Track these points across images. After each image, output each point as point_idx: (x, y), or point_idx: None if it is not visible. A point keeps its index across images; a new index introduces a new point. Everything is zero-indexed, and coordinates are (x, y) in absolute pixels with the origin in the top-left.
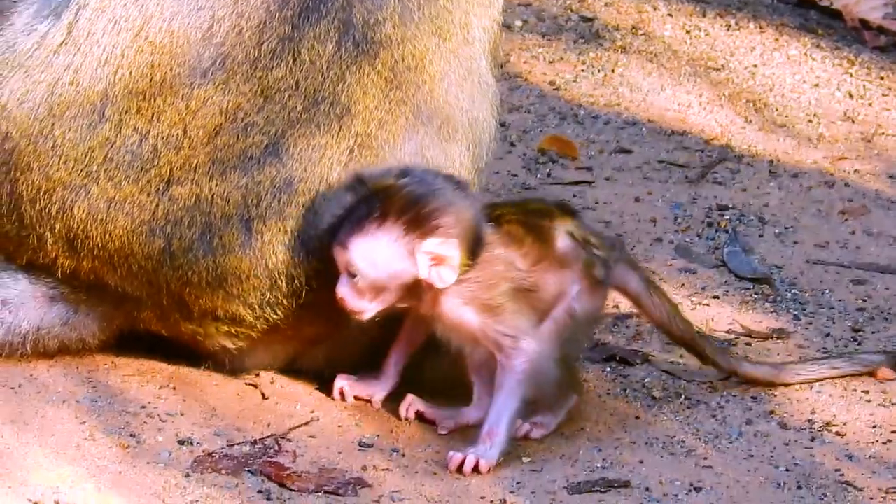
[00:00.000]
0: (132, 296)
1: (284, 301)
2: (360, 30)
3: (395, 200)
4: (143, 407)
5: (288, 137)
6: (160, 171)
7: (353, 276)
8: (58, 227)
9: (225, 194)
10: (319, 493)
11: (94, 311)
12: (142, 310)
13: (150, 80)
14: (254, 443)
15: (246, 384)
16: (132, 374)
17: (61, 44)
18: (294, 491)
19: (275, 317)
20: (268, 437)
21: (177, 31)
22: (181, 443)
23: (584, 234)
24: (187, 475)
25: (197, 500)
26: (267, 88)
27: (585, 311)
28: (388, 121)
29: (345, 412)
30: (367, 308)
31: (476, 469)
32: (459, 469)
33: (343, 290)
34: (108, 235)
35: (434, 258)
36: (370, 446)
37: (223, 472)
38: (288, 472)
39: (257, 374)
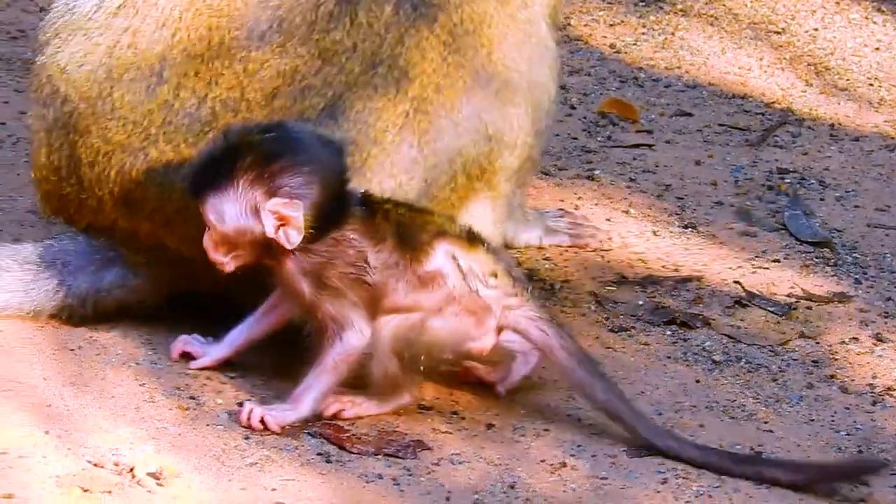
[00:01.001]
0: (189, 257)
1: None
2: None
3: (250, 156)
4: (203, 370)
5: (345, 100)
6: (218, 133)
7: (210, 225)
8: (116, 189)
9: None
10: (379, 456)
11: (153, 273)
12: (199, 271)
13: (209, 44)
14: None
15: (307, 346)
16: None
17: (120, 6)
18: (353, 453)
19: None
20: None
21: None
22: (240, 405)
23: (479, 268)
24: (246, 437)
25: (256, 463)
26: (324, 51)
27: (439, 335)
28: (445, 85)
29: None
30: (224, 260)
31: (263, 424)
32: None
33: (205, 240)
34: (165, 198)
35: (279, 217)
36: (429, 409)
37: (282, 434)
38: (347, 434)
39: None
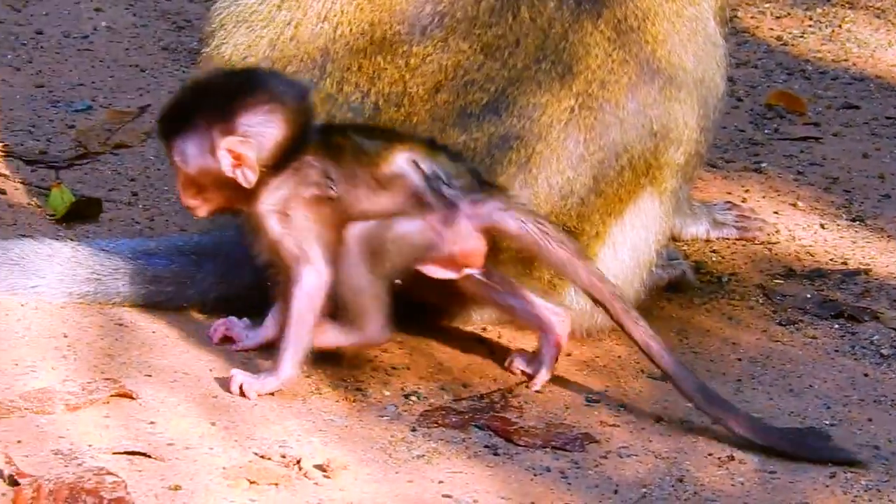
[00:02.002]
0: None
1: (501, 257)
2: None
3: (209, 95)
4: (370, 361)
5: (508, 95)
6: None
7: (177, 170)
8: None
9: None
10: (546, 449)
11: None
12: None
13: (371, 38)
14: (480, 397)
15: (473, 339)
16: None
17: None
18: (521, 446)
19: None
20: (494, 391)
21: None
22: (407, 396)
23: (442, 170)
24: (413, 429)
25: (423, 455)
26: (487, 46)
27: (406, 235)
28: (609, 81)
29: (572, 367)
30: (195, 205)
31: (242, 392)
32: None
33: (178, 187)
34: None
35: (235, 156)
36: (597, 402)
37: (449, 426)
38: (515, 427)
39: (484, 329)
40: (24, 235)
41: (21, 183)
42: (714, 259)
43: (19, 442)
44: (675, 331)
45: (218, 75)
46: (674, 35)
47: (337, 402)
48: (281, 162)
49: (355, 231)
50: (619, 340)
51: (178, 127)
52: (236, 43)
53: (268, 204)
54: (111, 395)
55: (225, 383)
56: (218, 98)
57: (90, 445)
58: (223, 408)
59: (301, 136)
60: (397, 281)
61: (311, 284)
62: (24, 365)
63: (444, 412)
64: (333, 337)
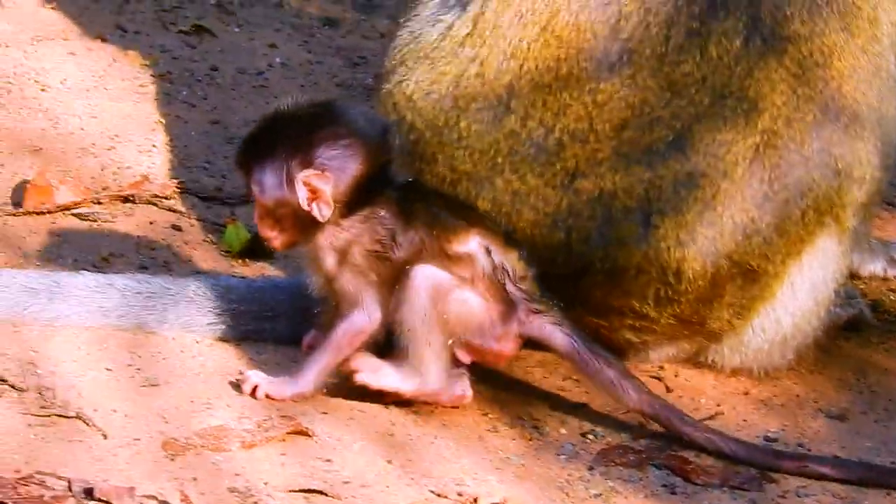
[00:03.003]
0: None
1: (681, 297)
2: (768, 25)
3: (289, 127)
4: (547, 398)
5: (693, 132)
6: (565, 164)
7: (256, 201)
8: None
9: (627, 188)
10: (724, 488)
11: None
12: None
13: (557, 74)
14: (657, 436)
15: (650, 376)
16: (535, 366)
17: (467, 35)
18: (698, 485)
19: (674, 311)
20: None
21: (583, 25)
22: (584, 435)
23: (510, 266)
24: (591, 468)
25: (601, 494)
26: (673, 83)
27: (467, 306)
28: (794, 118)
29: (750, 406)
30: (272, 236)
31: (254, 393)
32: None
33: (255, 218)
34: (512, 228)
35: (311, 189)
36: (775, 440)
37: (627, 465)
38: (692, 465)
39: (661, 367)
40: (199, 272)
41: (196, 220)
42: (892, 298)
43: (195, 479)
44: (853, 370)
45: (299, 108)
46: (858, 72)
47: (514, 440)
48: (355, 200)
49: (427, 273)
50: (798, 379)
51: (257, 157)
52: (418, 79)
53: (332, 242)
54: (287, 433)
55: (402, 422)
56: (298, 130)
57: (266, 483)
58: (399, 446)
59: (378, 176)
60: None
61: (357, 324)
62: (200, 402)
63: (621, 451)
64: (393, 380)
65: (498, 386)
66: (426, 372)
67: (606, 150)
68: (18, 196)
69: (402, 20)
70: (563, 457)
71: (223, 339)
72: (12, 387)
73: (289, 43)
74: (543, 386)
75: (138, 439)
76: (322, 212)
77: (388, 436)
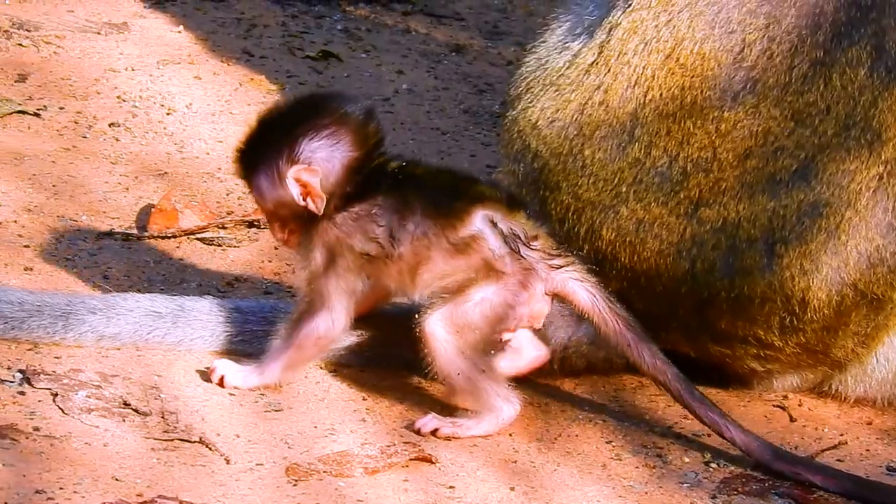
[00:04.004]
0: (659, 316)
1: (806, 325)
2: (893, 55)
3: (273, 127)
4: (670, 427)
5: (817, 162)
6: (689, 193)
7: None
8: (586, 247)
9: (751, 217)
10: None
11: None
12: (670, 331)
13: (681, 103)
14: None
15: (774, 405)
16: (659, 394)
17: (592, 63)
18: None
19: (799, 340)
20: None
21: (708, 53)
22: (707, 463)
23: (520, 230)
24: (714, 496)
25: None
26: (797, 113)
27: (487, 307)
28: None
29: (873, 436)
30: (283, 238)
31: (221, 383)
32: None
33: (264, 221)
34: (636, 257)
35: (302, 185)
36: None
37: (750, 493)
38: (815, 494)
39: (785, 396)
40: None
41: None
42: None
43: None
44: None
45: (280, 106)
46: None
47: (637, 468)
48: (353, 189)
49: (435, 320)
50: None
51: (248, 165)
52: (543, 106)
53: (325, 237)
54: (410, 459)
55: (525, 448)
56: (280, 129)
57: None
58: (522, 472)
59: (370, 162)
60: (492, 352)
61: (321, 328)
62: (323, 428)
63: (744, 479)
64: (478, 429)
65: (621, 414)
66: (492, 403)
67: (730, 180)
68: (143, 220)
69: (529, 47)
70: (686, 485)
71: (346, 365)
72: (135, 410)
73: (416, 69)
74: (666, 414)
75: (261, 464)
76: (317, 205)
77: (510, 462)
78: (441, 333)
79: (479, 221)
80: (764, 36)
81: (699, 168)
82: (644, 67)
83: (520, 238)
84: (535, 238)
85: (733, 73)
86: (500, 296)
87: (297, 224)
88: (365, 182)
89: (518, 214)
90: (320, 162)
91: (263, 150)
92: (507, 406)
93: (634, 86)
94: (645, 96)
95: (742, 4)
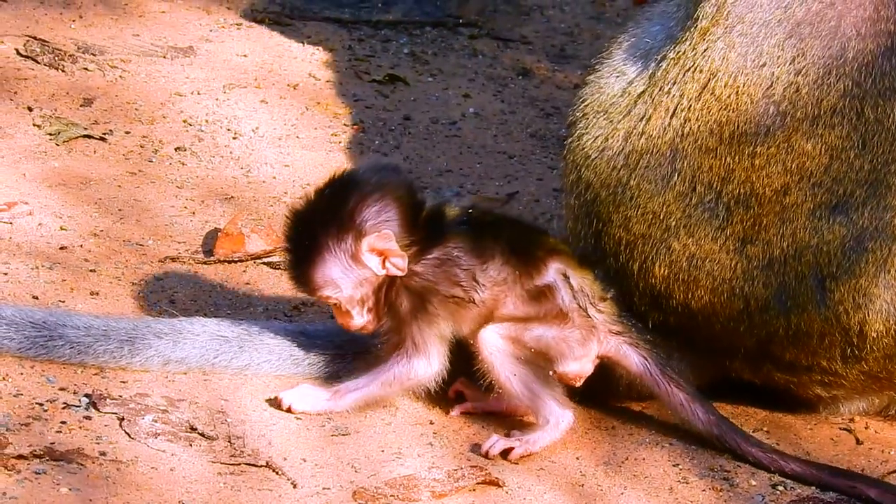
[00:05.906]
0: (720, 350)
1: (867, 355)
2: None
3: (318, 218)
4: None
5: (856, 197)
6: (734, 229)
7: (333, 303)
8: (641, 284)
9: (796, 254)
10: None
11: (686, 359)
12: (732, 360)
13: (720, 137)
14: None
15: (840, 429)
16: (725, 416)
17: (642, 92)
18: None
19: (862, 368)
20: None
21: (741, 87)
22: (774, 486)
23: (588, 289)
24: None
25: None
26: (831, 147)
27: (542, 341)
28: None
29: None
30: (363, 324)
31: (280, 405)
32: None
33: (339, 321)
34: (690, 295)
35: (379, 253)
36: None
37: None
38: None
39: (852, 419)
40: None
41: None
42: None
43: None
44: None
45: (305, 205)
46: None
47: (704, 491)
48: (417, 238)
49: (490, 330)
50: None
51: (310, 267)
52: (595, 134)
53: (410, 286)
54: (477, 483)
55: (592, 472)
56: (327, 220)
57: None
58: (590, 496)
59: (420, 210)
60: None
61: (418, 372)
62: (390, 451)
63: (811, 502)
64: (543, 440)
65: (688, 437)
66: (549, 413)
67: (770, 216)
68: (210, 244)
69: (589, 69)
70: None
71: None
72: (202, 435)
73: (482, 93)
74: None
75: (328, 488)
76: (399, 265)
77: (578, 486)
78: (494, 339)
79: (553, 272)
80: (790, 69)
81: (740, 204)
82: (681, 98)
83: (588, 297)
84: (603, 300)
85: (765, 106)
86: (557, 340)
87: (376, 299)
88: (429, 230)
89: (588, 273)
90: (384, 224)
91: (321, 245)
92: (566, 412)
93: (672, 116)
94: (682, 127)
95: (770, 36)
